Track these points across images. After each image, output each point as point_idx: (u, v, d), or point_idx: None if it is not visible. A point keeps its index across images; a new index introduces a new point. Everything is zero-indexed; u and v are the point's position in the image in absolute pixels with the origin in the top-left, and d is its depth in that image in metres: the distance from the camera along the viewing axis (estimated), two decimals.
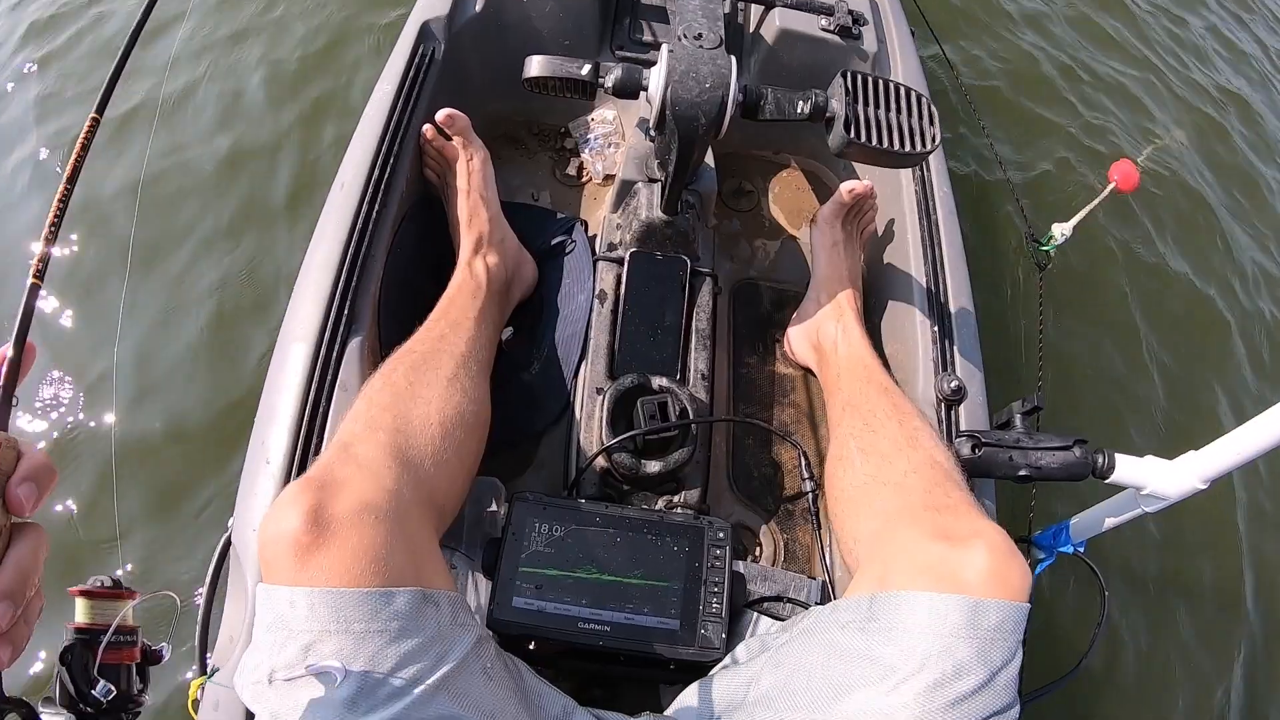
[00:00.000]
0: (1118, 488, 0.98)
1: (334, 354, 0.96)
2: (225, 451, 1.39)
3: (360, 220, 1.05)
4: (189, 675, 0.92)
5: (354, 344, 0.98)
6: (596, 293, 1.13)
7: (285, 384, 0.95)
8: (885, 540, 0.78)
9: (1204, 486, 0.93)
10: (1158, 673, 1.48)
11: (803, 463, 1.03)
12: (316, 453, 0.91)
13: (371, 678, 0.65)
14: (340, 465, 0.74)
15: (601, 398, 1.04)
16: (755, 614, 0.95)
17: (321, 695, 0.63)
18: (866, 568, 0.79)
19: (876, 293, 1.20)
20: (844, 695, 0.69)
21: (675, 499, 1.03)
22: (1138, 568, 1.53)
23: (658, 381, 1.05)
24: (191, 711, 0.84)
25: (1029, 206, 1.62)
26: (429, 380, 0.89)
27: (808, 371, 1.20)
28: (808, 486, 1.03)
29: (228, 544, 0.91)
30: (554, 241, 1.21)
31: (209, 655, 0.88)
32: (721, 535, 0.94)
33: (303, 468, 0.90)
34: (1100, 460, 0.95)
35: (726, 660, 0.89)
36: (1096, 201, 1.33)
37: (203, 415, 1.45)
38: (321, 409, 0.94)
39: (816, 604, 1.03)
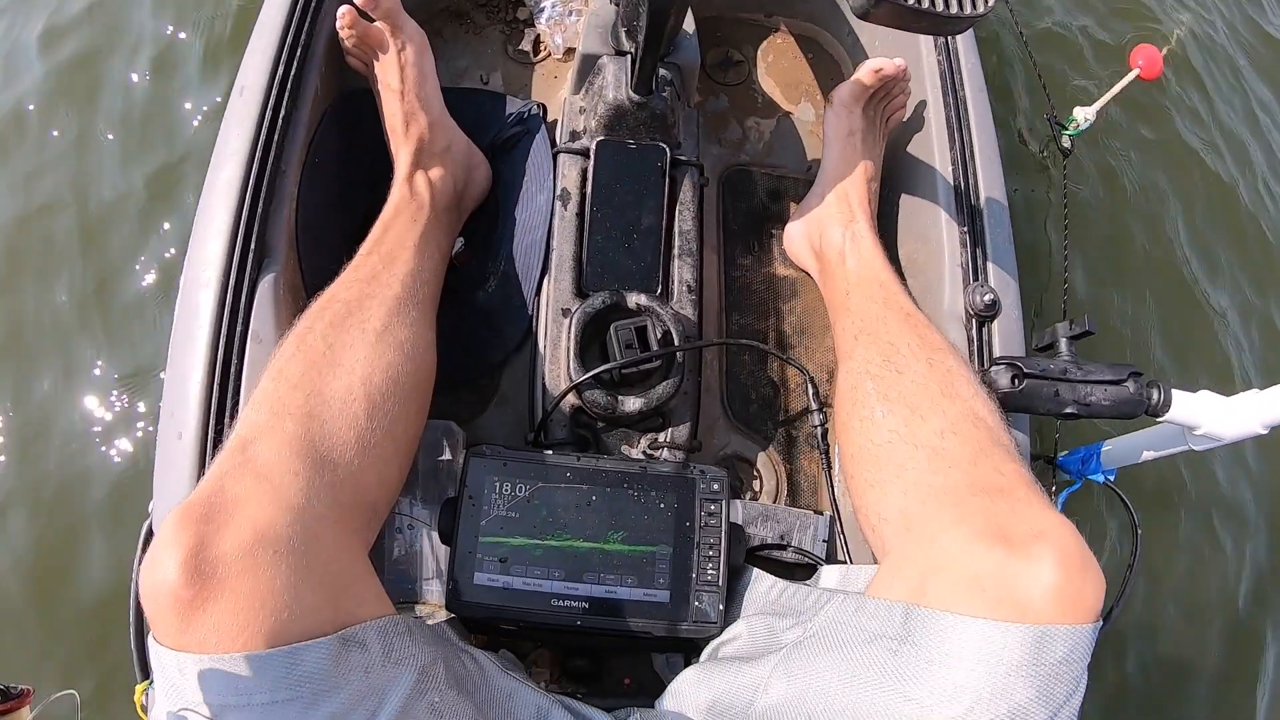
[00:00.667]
0: None
1: (243, 298, 0.78)
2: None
3: (265, 131, 0.84)
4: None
5: (266, 284, 0.80)
6: (558, 192, 0.94)
7: (191, 341, 0.78)
8: (923, 533, 0.63)
9: (1264, 432, 0.80)
10: (1196, 620, 1.33)
11: (810, 391, 0.87)
12: (231, 421, 0.75)
13: None
14: (235, 477, 0.58)
15: (568, 322, 0.87)
16: (753, 572, 0.81)
17: None
18: (899, 562, 0.64)
19: (891, 182, 1.00)
20: None
21: (660, 437, 0.88)
22: (1175, 499, 1.37)
23: (635, 299, 0.88)
24: (142, 715, 0.76)
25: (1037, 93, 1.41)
26: (352, 339, 0.71)
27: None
28: (816, 419, 0.87)
29: (150, 533, 0.78)
30: (508, 133, 0.99)
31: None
32: (716, 487, 0.79)
33: (219, 441, 0.75)
34: (1155, 396, 0.81)
35: (725, 635, 0.76)
36: (1119, 87, 1.13)
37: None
38: (234, 368, 0.77)
39: (824, 541, 0.91)
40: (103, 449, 1.18)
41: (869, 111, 0.95)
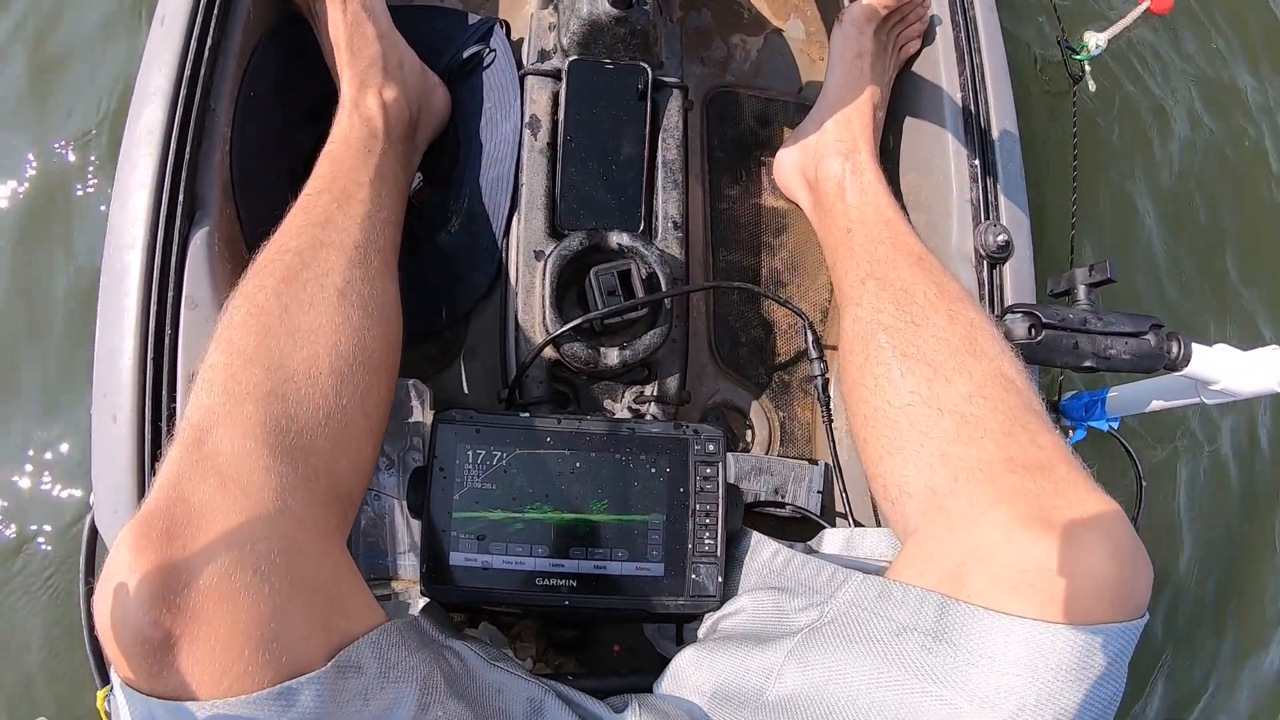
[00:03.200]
0: None
1: (173, 258, 0.66)
2: None
3: (190, 65, 0.70)
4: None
5: (198, 240, 0.68)
6: (526, 119, 0.81)
7: (120, 311, 0.66)
8: (958, 515, 0.54)
9: None
10: (1204, 580, 1.27)
11: (808, 337, 0.78)
12: (171, 400, 0.64)
13: None
14: (194, 478, 0.48)
15: (541, 265, 0.76)
16: (754, 536, 0.74)
17: None
18: (930, 546, 0.55)
19: (892, 105, 0.89)
20: None
21: (647, 390, 0.78)
22: (1181, 448, 1.30)
23: (615, 239, 0.77)
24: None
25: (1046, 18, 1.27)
26: (311, 297, 0.59)
27: None
28: (816, 369, 0.78)
29: (94, 530, 0.69)
30: (467, 53, 0.85)
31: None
32: (712, 449, 0.70)
33: (156, 424, 0.64)
34: (1176, 349, 0.73)
35: (725, 608, 0.68)
36: (1129, 19, 1.03)
37: None
38: (169, 339, 0.65)
39: (819, 493, 0.84)
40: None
41: (881, 34, 0.82)
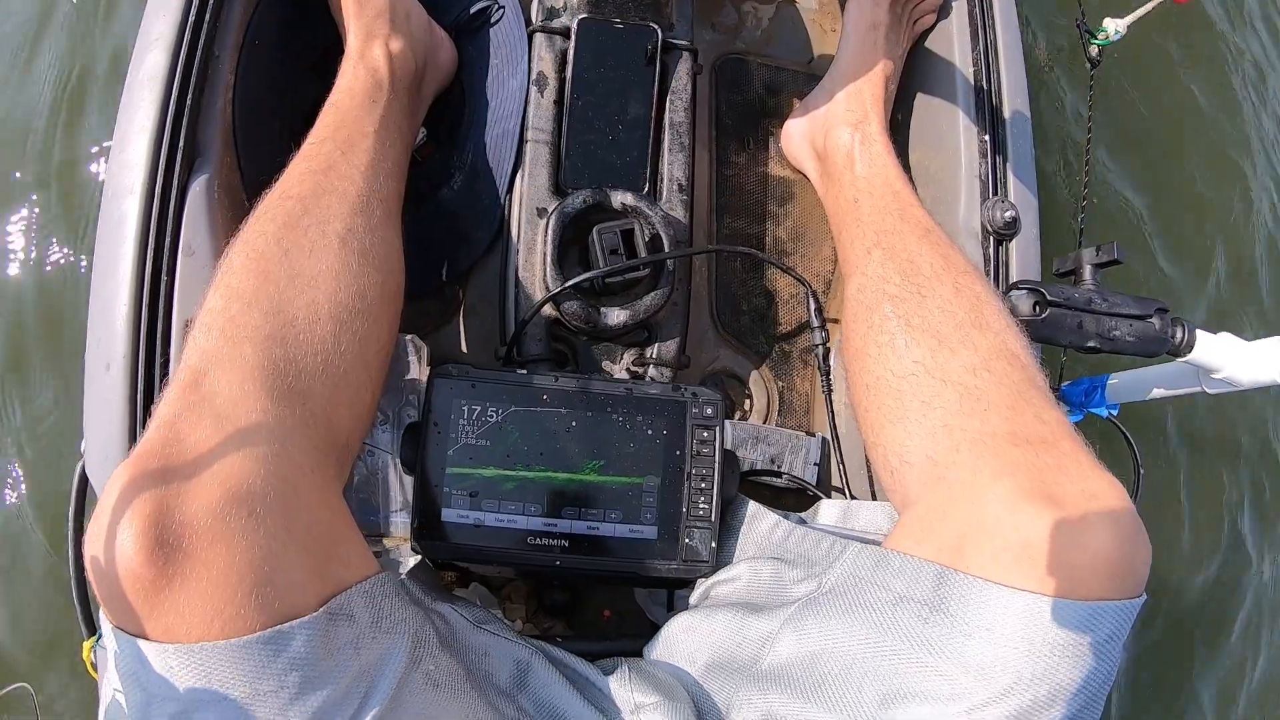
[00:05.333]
0: None
1: (171, 205, 0.64)
2: None
3: (194, 11, 0.68)
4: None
5: (198, 187, 0.66)
6: (533, 76, 0.78)
7: (116, 258, 0.64)
8: (959, 487, 0.52)
9: None
10: (1199, 563, 1.25)
11: (811, 307, 0.76)
12: (165, 348, 0.62)
13: None
14: (190, 419, 0.45)
15: (544, 223, 0.74)
16: (752, 506, 0.72)
17: None
18: (930, 517, 0.53)
19: (903, 79, 0.87)
20: (892, 705, 0.48)
21: (646, 352, 0.76)
22: (1179, 437, 1.28)
23: (619, 198, 0.74)
24: (91, 672, 0.66)
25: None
26: (312, 243, 0.57)
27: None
28: (817, 338, 0.76)
29: (84, 479, 0.67)
30: (475, 8, 0.82)
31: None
32: (710, 412, 0.68)
33: (150, 372, 0.62)
34: (1180, 335, 0.71)
35: (720, 575, 0.67)
36: (1151, 5, 1.00)
37: None
38: (165, 286, 0.63)
39: (816, 465, 0.82)
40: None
41: (896, 8, 0.80)
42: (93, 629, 0.69)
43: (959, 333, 0.60)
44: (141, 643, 0.42)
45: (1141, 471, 0.81)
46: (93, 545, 0.42)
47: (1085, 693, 0.46)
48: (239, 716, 0.42)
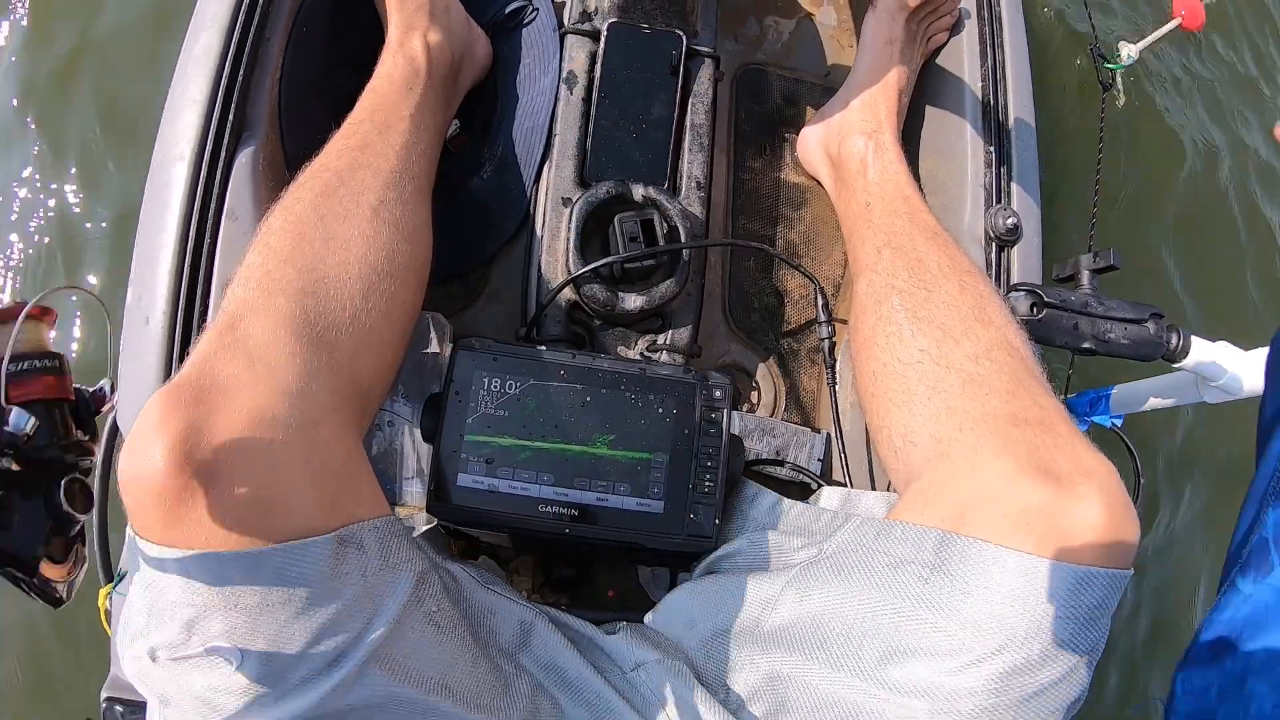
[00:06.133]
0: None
1: (218, 173, 0.68)
2: None
3: None
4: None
5: (244, 158, 0.70)
6: (564, 75, 0.82)
7: (161, 219, 0.68)
8: (962, 461, 0.55)
9: None
10: (1195, 571, 1.28)
11: (819, 302, 0.78)
12: (204, 306, 0.65)
13: (279, 660, 0.45)
14: (224, 357, 0.49)
15: (568, 211, 0.77)
16: (754, 487, 0.74)
17: (218, 681, 0.46)
18: (932, 489, 0.56)
19: (915, 93, 0.90)
20: (892, 661, 0.50)
21: (659, 339, 0.79)
22: (1181, 449, 1.30)
23: (640, 191, 0.77)
24: (104, 624, 0.68)
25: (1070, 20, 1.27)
26: (346, 211, 0.61)
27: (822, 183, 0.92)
28: (824, 332, 0.79)
29: (114, 429, 0.69)
30: (509, 8, 0.87)
31: (113, 560, 0.71)
32: (719, 394, 0.71)
33: (187, 328, 0.65)
34: (1175, 340, 0.74)
35: (721, 550, 0.69)
36: (1161, 33, 1.04)
37: None
38: (207, 248, 0.67)
39: (820, 460, 0.84)
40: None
41: (912, 24, 0.83)
42: (110, 575, 0.71)
43: (963, 325, 0.62)
44: (163, 547, 0.44)
45: (1142, 481, 0.82)
46: (125, 459, 0.45)
47: (1074, 656, 0.48)
48: (247, 625, 0.45)
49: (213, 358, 0.49)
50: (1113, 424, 0.87)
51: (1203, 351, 0.75)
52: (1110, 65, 1.00)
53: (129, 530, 0.47)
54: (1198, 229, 1.40)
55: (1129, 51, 1.02)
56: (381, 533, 0.52)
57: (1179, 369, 0.77)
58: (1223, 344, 0.77)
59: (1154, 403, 0.84)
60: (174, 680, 0.46)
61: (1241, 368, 0.76)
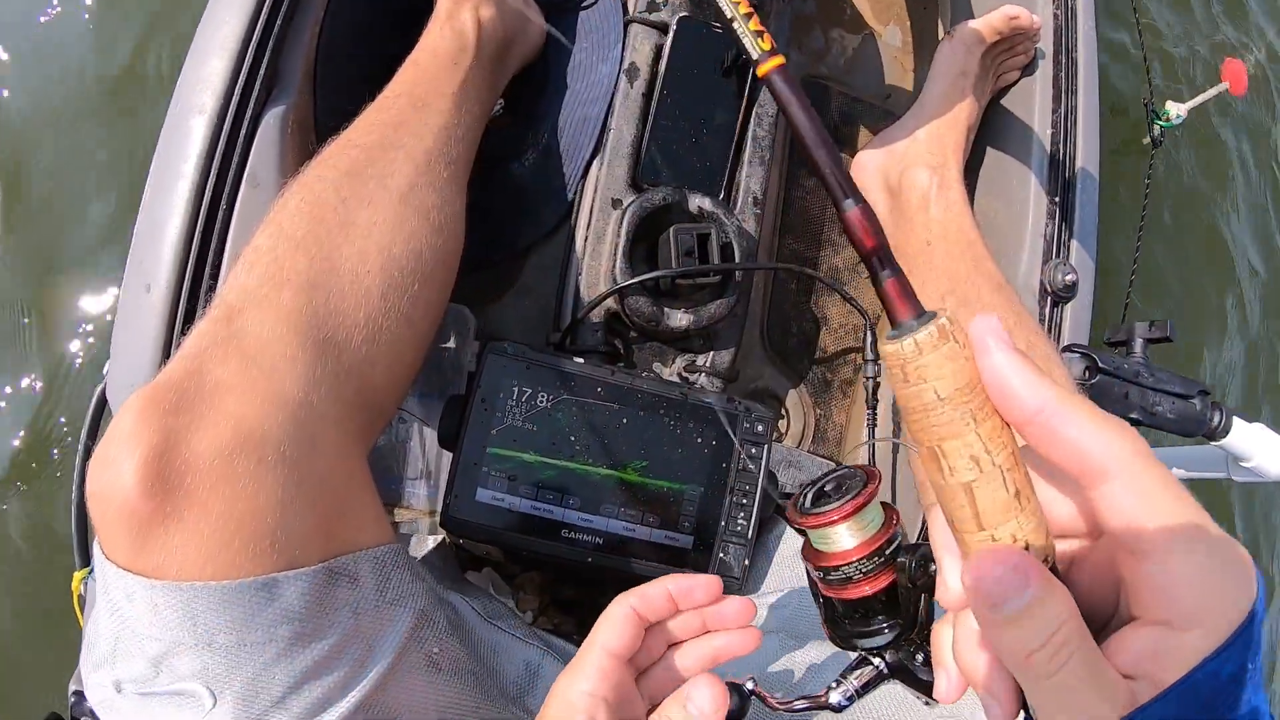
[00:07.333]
0: None
1: (242, 131, 0.59)
2: None
3: None
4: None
5: (272, 117, 0.61)
6: (625, 67, 0.76)
7: (174, 177, 0.59)
8: None
9: None
10: None
11: (867, 339, 0.74)
12: (213, 279, 0.58)
13: (257, 705, 0.39)
14: (217, 356, 0.42)
15: (619, 214, 0.71)
16: (782, 524, 0.70)
17: None
18: None
19: (979, 130, 0.86)
20: None
21: (699, 360, 0.74)
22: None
23: (697, 202, 0.72)
24: (76, 609, 0.62)
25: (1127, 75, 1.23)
26: (371, 194, 0.53)
27: None
28: (869, 370, 0.74)
29: (103, 401, 0.63)
30: None
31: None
32: (761, 429, 0.66)
33: (192, 302, 0.58)
34: (1217, 420, 0.72)
35: (757, 598, 0.64)
36: (1211, 94, 1.02)
37: None
38: (222, 214, 0.59)
39: None
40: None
41: (988, 59, 0.79)
42: (87, 560, 0.64)
43: None
44: (129, 576, 0.38)
45: None
46: (94, 467, 0.39)
47: None
48: (222, 666, 0.39)
49: (204, 354, 0.43)
50: None
51: (1241, 432, 0.74)
52: (1160, 123, 0.98)
53: (94, 545, 0.41)
54: (1230, 294, 1.38)
55: (1177, 111, 1.00)
56: (380, 563, 0.46)
57: (1215, 447, 0.75)
58: (1259, 426, 0.75)
59: (1179, 472, 0.83)
60: (140, 714, 0.40)
61: (1275, 452, 0.75)
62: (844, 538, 0.34)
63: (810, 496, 0.36)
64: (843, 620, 0.35)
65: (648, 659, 0.45)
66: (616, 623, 0.43)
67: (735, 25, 0.34)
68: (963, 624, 0.27)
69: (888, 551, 0.34)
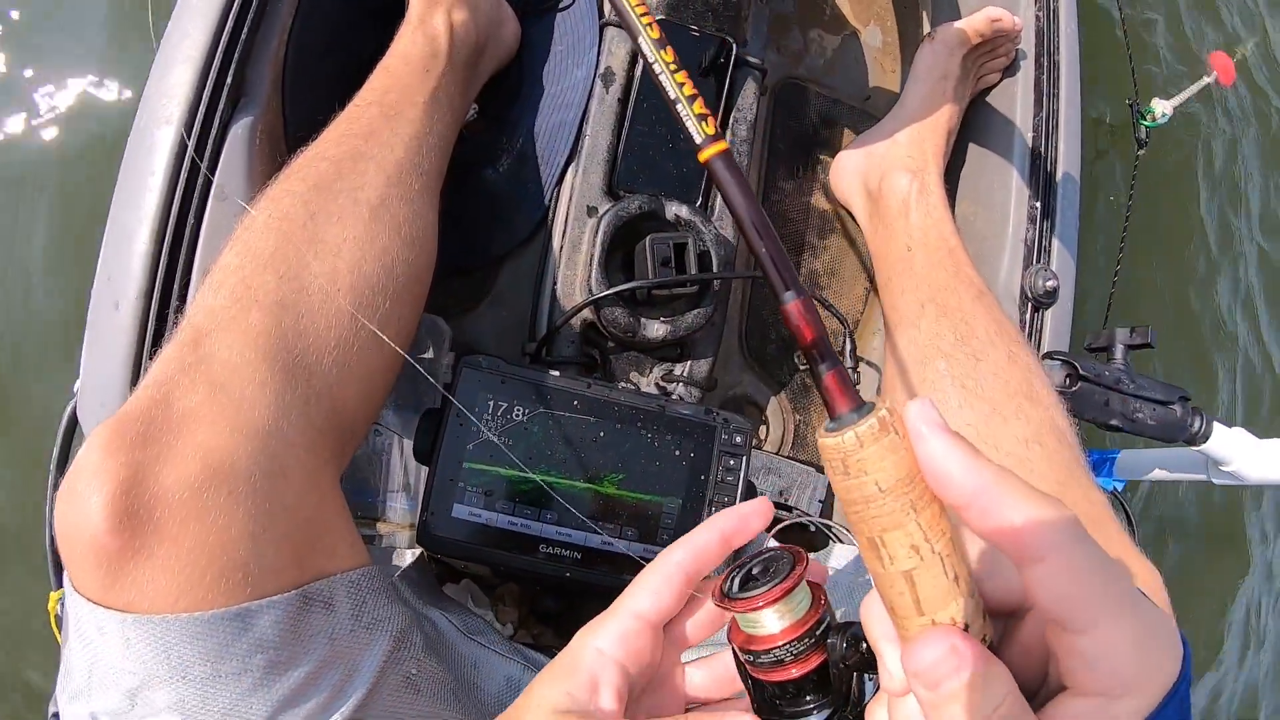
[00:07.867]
0: None
1: (209, 143, 0.58)
2: None
3: None
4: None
5: (239, 129, 0.60)
6: (601, 71, 0.74)
7: (141, 190, 0.58)
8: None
9: None
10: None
11: (846, 346, 0.74)
12: (182, 296, 0.57)
13: None
14: (183, 382, 0.41)
15: (595, 222, 0.70)
16: (766, 537, 0.69)
17: None
18: None
19: (959, 133, 0.86)
20: None
21: (676, 369, 0.73)
22: (1182, 523, 1.29)
23: (674, 209, 0.71)
24: (54, 629, 0.61)
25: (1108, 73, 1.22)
26: (340, 210, 0.52)
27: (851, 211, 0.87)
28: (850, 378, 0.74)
29: (74, 420, 0.61)
30: None
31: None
32: (739, 440, 0.66)
33: (161, 319, 0.56)
34: (1198, 425, 0.72)
35: None
36: (1197, 87, 1.01)
37: None
38: (190, 229, 0.58)
39: (820, 502, 0.80)
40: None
41: (968, 61, 0.78)
42: (61, 580, 0.63)
43: (1012, 402, 0.58)
44: (100, 610, 0.38)
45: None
46: (61, 502, 0.38)
47: None
48: (198, 698, 0.38)
49: (170, 382, 0.42)
50: (1114, 489, 0.84)
51: (1221, 438, 0.73)
52: (1145, 123, 0.96)
53: (66, 579, 0.40)
54: (1215, 295, 1.37)
55: (1163, 109, 0.99)
56: (355, 588, 0.45)
57: (1195, 451, 0.75)
58: (1239, 430, 0.75)
59: (1159, 474, 0.82)
60: None
61: (1256, 456, 0.74)
62: (772, 621, 0.33)
63: (737, 581, 0.34)
64: (774, 701, 0.34)
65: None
66: (652, 584, 0.36)
67: (679, 107, 0.33)
68: (900, 708, 0.27)
69: (817, 633, 0.33)
